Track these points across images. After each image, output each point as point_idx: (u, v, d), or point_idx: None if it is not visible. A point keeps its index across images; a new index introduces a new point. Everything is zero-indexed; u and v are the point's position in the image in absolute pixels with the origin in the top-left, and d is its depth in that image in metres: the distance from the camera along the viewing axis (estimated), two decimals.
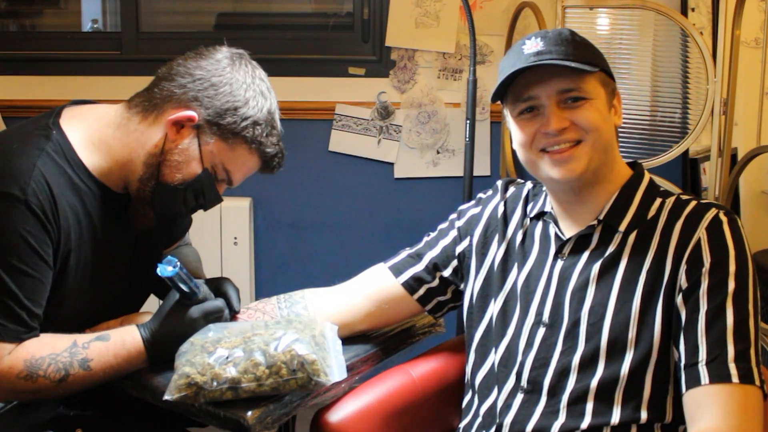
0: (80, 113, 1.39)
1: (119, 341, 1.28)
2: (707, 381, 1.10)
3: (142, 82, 2.89)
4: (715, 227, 1.17)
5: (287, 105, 2.73)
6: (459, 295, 1.44)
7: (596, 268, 1.23)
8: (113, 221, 1.38)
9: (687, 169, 2.52)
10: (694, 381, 1.11)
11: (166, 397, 1.18)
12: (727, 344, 1.11)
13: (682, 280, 1.16)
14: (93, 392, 1.37)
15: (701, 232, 1.17)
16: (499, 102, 1.29)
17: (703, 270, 1.15)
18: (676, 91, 2.35)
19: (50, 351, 1.25)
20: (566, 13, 2.29)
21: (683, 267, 1.16)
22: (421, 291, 1.42)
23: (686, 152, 2.42)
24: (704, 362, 1.11)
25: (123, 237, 1.42)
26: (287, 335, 1.22)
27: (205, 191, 1.37)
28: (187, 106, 1.34)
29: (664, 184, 1.31)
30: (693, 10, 2.51)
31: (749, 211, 2.68)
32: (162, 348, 1.28)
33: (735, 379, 1.09)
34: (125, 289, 1.47)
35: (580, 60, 1.20)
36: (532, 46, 1.22)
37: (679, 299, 1.16)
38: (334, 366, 1.23)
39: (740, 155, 2.44)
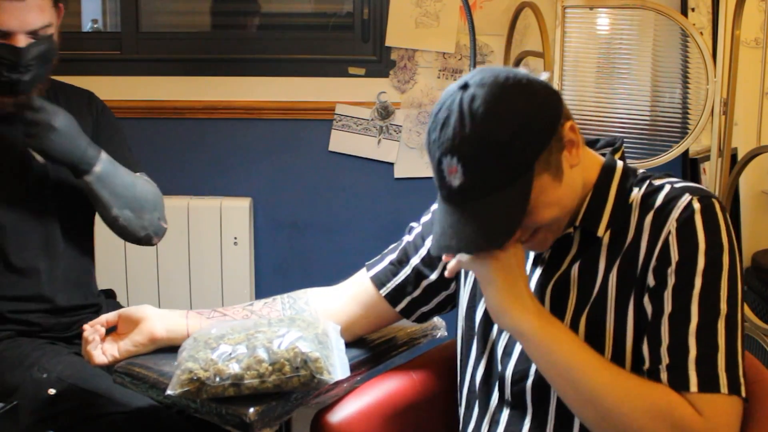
0: None
1: None
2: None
3: (142, 82, 2.90)
4: (685, 218, 1.06)
5: (287, 105, 2.75)
6: (444, 304, 1.38)
7: (574, 271, 1.16)
8: None
9: (687, 169, 2.53)
10: None
11: (169, 392, 1.18)
12: (689, 348, 1.02)
13: (650, 279, 1.07)
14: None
15: (671, 225, 1.06)
16: None
17: (669, 270, 1.05)
18: (676, 91, 2.35)
19: None
20: (566, 13, 2.29)
21: (652, 264, 1.07)
22: (404, 303, 1.37)
23: (686, 152, 2.42)
24: (664, 369, 1.03)
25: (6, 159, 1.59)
26: (291, 333, 1.22)
27: None
28: None
29: (641, 173, 1.21)
30: (693, 10, 2.52)
31: (749, 211, 2.68)
32: None
33: (693, 387, 1.01)
34: (15, 209, 1.60)
35: (512, 173, 1.03)
36: (450, 172, 1.04)
37: (645, 299, 1.08)
38: (337, 364, 1.23)
39: (740, 155, 2.44)
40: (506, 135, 1.02)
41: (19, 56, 1.50)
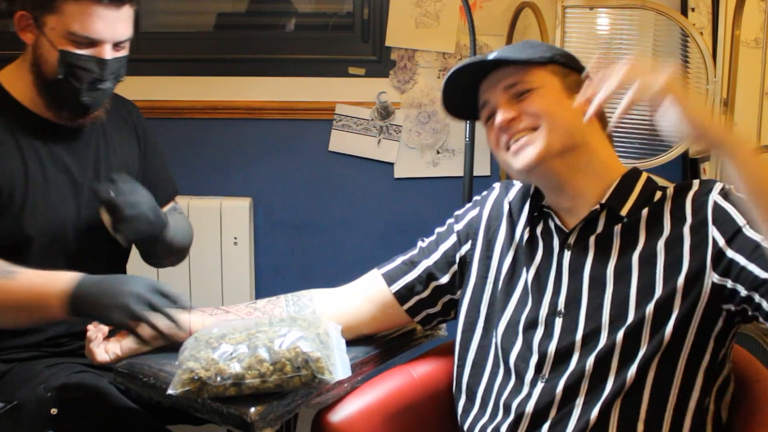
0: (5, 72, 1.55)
1: (54, 273, 1.33)
2: None
3: (142, 81, 2.89)
4: (726, 193, 1.18)
5: (287, 105, 2.75)
6: (449, 308, 1.43)
7: (614, 253, 1.23)
8: (52, 152, 1.53)
9: (687, 169, 2.53)
10: None
11: (170, 391, 1.18)
12: None
13: (716, 235, 1.15)
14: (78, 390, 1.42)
15: (715, 197, 1.18)
16: None
17: (737, 220, 1.14)
18: None
19: None
20: (566, 13, 2.30)
21: (712, 228, 1.16)
22: (411, 302, 1.42)
23: (686, 152, 2.42)
24: None
25: (67, 167, 1.54)
26: (292, 333, 1.22)
27: (77, 66, 1.45)
28: (18, 11, 1.46)
29: (665, 184, 1.33)
30: (693, 10, 2.51)
31: None
32: (85, 294, 1.30)
33: None
34: (74, 217, 1.55)
35: (520, 56, 1.25)
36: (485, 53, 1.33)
37: (720, 248, 1.14)
38: (338, 364, 1.23)
39: None
40: (540, 43, 1.30)
41: (104, 70, 1.47)
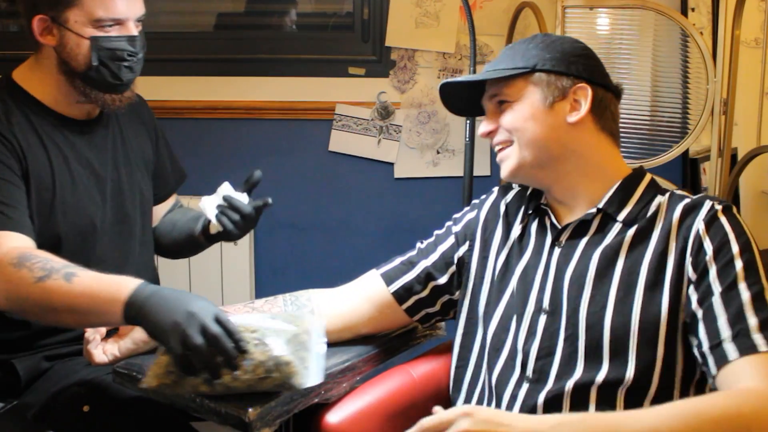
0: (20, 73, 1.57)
1: (114, 277, 1.27)
2: (736, 356, 1.10)
3: (142, 82, 2.87)
4: (711, 218, 1.19)
5: (287, 105, 2.75)
6: (448, 307, 1.44)
7: (596, 256, 1.24)
8: (74, 148, 1.54)
9: (687, 169, 2.53)
10: (722, 360, 1.11)
11: (143, 385, 1.18)
12: (747, 318, 1.11)
13: (690, 272, 1.18)
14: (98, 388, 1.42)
15: (699, 224, 1.19)
16: None
17: (708, 258, 1.16)
18: (676, 91, 2.35)
19: (48, 257, 1.31)
20: (566, 13, 2.29)
21: (688, 260, 1.18)
22: (410, 302, 1.43)
23: (686, 152, 2.42)
24: (728, 339, 1.11)
25: (89, 162, 1.56)
26: (268, 334, 1.20)
27: (110, 48, 1.47)
28: (34, 17, 1.47)
29: (664, 184, 1.33)
30: (693, 10, 2.51)
31: (749, 211, 2.68)
32: (147, 308, 1.20)
33: (763, 348, 1.09)
34: (101, 211, 1.56)
35: (505, 66, 1.29)
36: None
37: (690, 289, 1.17)
38: (311, 368, 1.20)
39: (740, 155, 2.44)
40: (529, 45, 1.30)
41: (135, 45, 1.50)
